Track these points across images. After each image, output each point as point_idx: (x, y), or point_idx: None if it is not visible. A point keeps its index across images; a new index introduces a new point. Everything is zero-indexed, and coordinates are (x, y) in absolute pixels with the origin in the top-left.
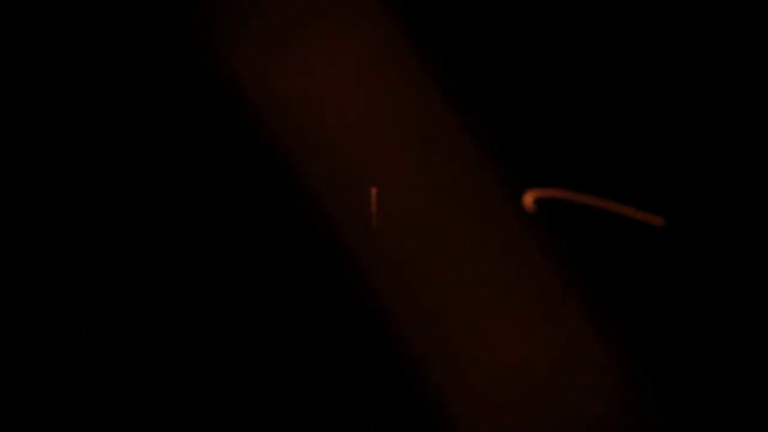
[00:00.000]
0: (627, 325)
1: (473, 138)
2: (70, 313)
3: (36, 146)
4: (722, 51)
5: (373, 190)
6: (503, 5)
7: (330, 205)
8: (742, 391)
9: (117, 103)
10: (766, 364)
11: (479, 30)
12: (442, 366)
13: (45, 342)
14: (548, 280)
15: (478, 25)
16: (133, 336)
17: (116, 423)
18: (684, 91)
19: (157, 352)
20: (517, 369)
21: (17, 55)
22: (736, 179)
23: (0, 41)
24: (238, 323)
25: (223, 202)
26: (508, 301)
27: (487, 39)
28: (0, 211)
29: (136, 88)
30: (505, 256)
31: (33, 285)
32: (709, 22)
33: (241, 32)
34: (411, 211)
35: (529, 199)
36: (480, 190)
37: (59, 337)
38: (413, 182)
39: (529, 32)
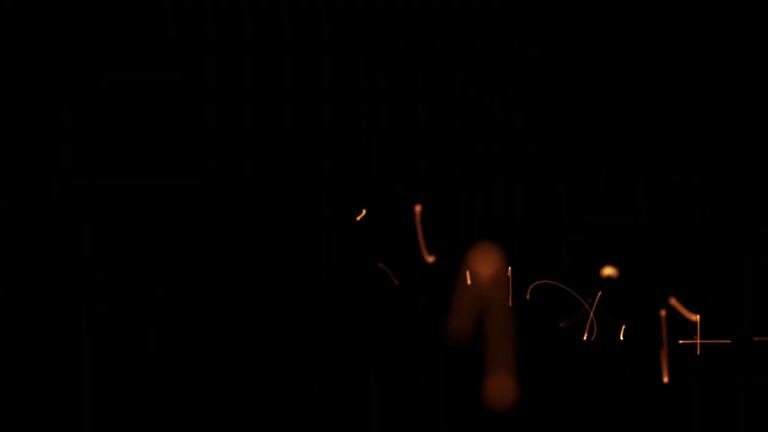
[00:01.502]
0: None
1: None
2: (70, 313)
3: (36, 146)
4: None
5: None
6: None
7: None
8: None
9: (118, 103)
10: None
11: None
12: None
13: (45, 342)
14: None
15: None
16: (132, 336)
17: (116, 423)
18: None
19: (157, 352)
20: None
21: (17, 55)
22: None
23: (0, 41)
24: (241, 323)
25: (231, 203)
26: None
27: None
28: (0, 211)
29: (135, 89)
30: None
31: (33, 285)
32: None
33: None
34: None
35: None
36: None
37: (59, 337)
38: None
39: None
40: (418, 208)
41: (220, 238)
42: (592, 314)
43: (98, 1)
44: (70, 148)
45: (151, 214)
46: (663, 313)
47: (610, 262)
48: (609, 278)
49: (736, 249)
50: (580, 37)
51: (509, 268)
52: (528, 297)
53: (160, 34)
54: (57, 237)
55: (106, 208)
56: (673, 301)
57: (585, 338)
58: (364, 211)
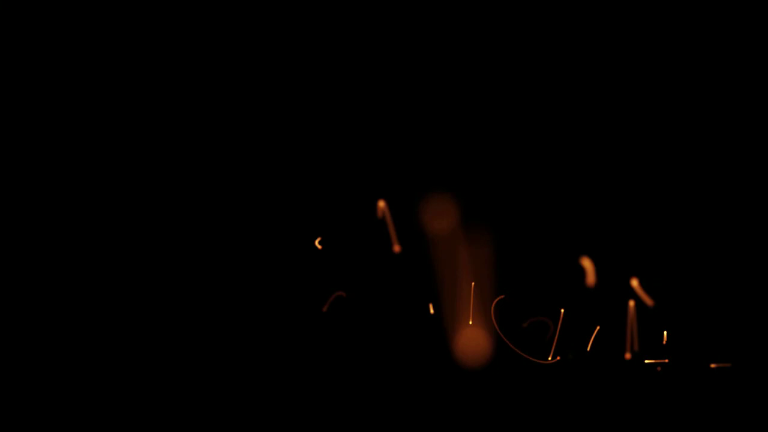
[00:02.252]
0: None
1: None
2: (70, 313)
3: (36, 146)
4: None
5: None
6: None
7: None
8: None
9: (118, 104)
10: None
11: None
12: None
13: (45, 342)
14: None
15: None
16: (132, 336)
17: (116, 423)
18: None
19: (156, 352)
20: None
21: (17, 55)
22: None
23: (0, 41)
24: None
25: (227, 202)
26: None
27: None
28: (0, 211)
29: (135, 89)
30: None
31: (33, 285)
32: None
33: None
34: None
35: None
36: None
37: (59, 337)
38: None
39: None
40: (381, 204)
41: (220, 238)
42: (557, 333)
43: (98, 1)
44: (69, 148)
45: (151, 214)
46: (631, 306)
47: (609, 264)
48: (588, 279)
49: (737, 249)
50: (580, 37)
51: (473, 283)
52: (492, 312)
53: (160, 34)
54: (57, 237)
55: (106, 208)
56: (642, 292)
57: (550, 358)
58: (319, 238)
